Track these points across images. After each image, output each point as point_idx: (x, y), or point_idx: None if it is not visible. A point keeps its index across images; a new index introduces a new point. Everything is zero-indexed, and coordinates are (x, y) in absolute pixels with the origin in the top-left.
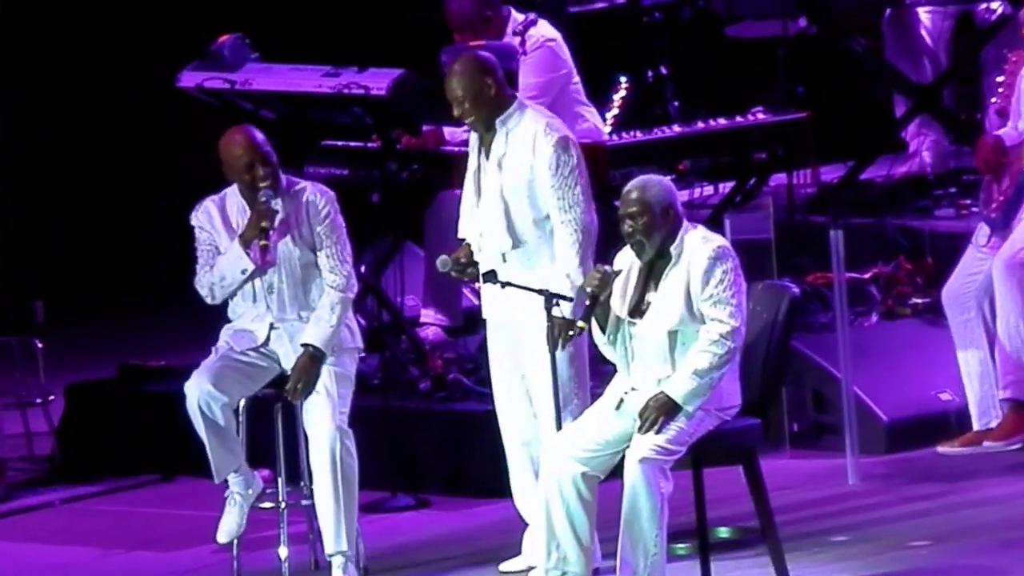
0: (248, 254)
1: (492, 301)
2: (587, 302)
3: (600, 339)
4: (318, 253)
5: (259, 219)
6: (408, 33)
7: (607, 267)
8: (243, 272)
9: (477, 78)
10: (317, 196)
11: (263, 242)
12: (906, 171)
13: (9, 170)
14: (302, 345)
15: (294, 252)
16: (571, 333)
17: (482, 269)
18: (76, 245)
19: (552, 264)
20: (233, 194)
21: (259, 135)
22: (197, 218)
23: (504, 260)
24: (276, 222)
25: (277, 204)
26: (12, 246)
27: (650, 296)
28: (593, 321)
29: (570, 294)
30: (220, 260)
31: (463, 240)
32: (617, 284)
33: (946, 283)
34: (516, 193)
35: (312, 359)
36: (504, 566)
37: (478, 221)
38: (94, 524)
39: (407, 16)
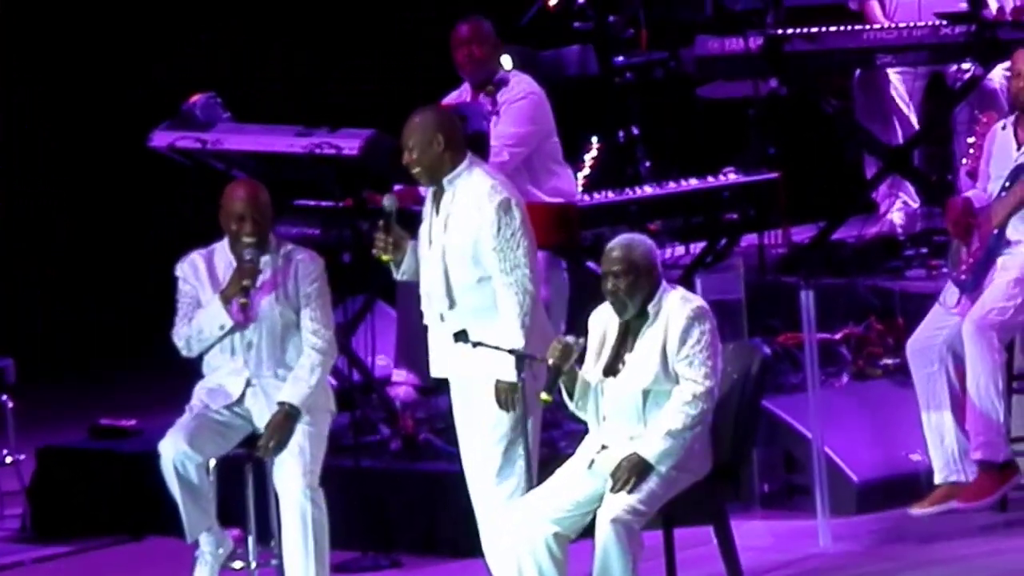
0: (228, 310)
1: (441, 358)
2: (550, 374)
3: (569, 404)
4: (302, 313)
5: (241, 277)
6: (379, 93)
7: (568, 338)
8: (221, 328)
9: (429, 132)
10: (308, 259)
11: (243, 300)
12: (877, 232)
13: None
14: (278, 403)
15: (276, 310)
16: (517, 397)
17: (428, 323)
18: (48, 304)
19: (492, 325)
20: (222, 249)
21: (262, 193)
22: (182, 269)
23: (442, 320)
24: (258, 282)
25: (262, 263)
26: None
27: (626, 355)
28: (561, 389)
29: (509, 356)
30: (200, 314)
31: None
32: (593, 341)
33: (911, 336)
34: (457, 254)
35: (287, 417)
36: None
37: (423, 276)
38: None
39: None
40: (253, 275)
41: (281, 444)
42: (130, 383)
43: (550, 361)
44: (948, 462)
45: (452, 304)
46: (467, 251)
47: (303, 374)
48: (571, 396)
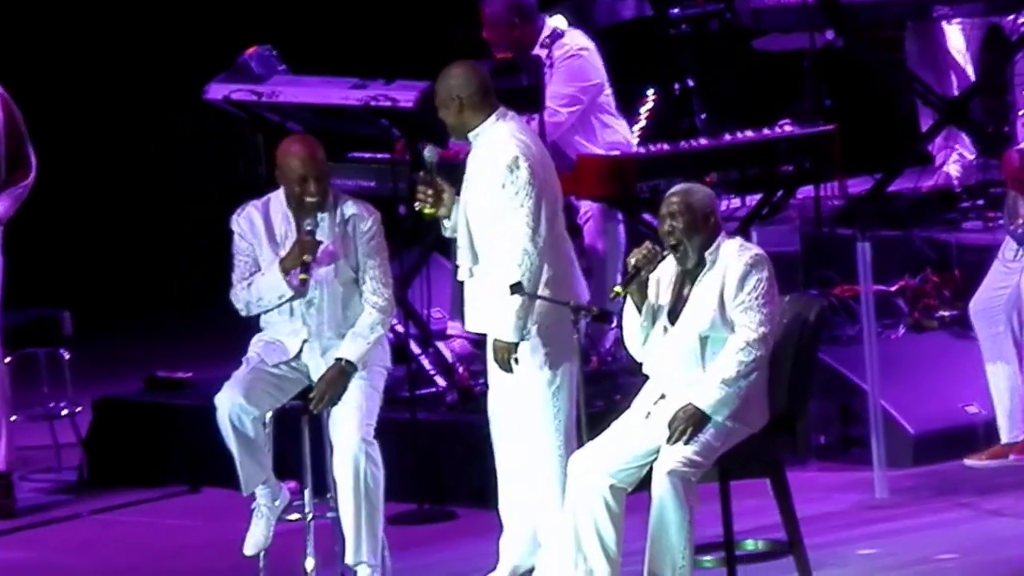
0: (288, 280)
1: (475, 313)
2: (628, 273)
3: (634, 321)
4: (361, 272)
5: (302, 251)
6: (436, 45)
7: (656, 246)
8: (280, 297)
9: (448, 91)
10: (364, 215)
11: (303, 276)
12: (933, 184)
13: (37, 183)
14: (335, 359)
15: (335, 271)
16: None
17: (461, 277)
18: (104, 255)
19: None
20: (278, 200)
21: (319, 149)
22: (238, 223)
23: (471, 275)
24: (319, 253)
25: (322, 232)
26: (39, 257)
27: (684, 302)
28: (630, 301)
29: (510, 315)
30: (259, 281)
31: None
32: (652, 288)
33: (974, 296)
34: (476, 210)
35: (342, 372)
36: None
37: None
38: (121, 536)
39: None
40: (314, 249)
41: (334, 399)
42: (186, 335)
43: (632, 261)
44: (1017, 422)
45: (476, 259)
46: (484, 206)
47: (363, 331)
48: (639, 310)
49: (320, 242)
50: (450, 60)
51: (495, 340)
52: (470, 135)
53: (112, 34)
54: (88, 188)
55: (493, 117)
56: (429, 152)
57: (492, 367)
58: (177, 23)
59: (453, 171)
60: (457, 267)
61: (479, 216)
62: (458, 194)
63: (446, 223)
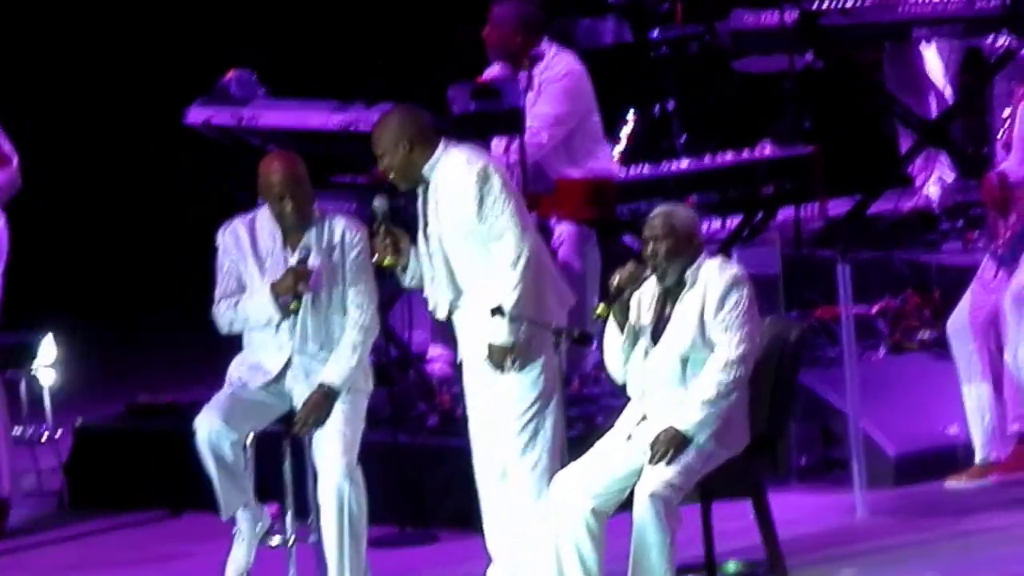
0: (277, 305)
1: (466, 340)
2: (612, 292)
3: (615, 342)
4: (346, 289)
5: (296, 280)
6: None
7: (639, 265)
8: (269, 320)
9: (393, 137)
10: (351, 230)
11: (295, 305)
12: (913, 205)
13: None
14: (319, 384)
15: (321, 287)
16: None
17: (440, 317)
18: (85, 278)
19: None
20: (264, 216)
21: (299, 165)
22: (223, 239)
23: (454, 310)
24: (311, 281)
25: (314, 262)
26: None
27: (665, 323)
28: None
29: (504, 316)
30: (247, 303)
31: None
32: (634, 308)
33: (951, 316)
34: (454, 237)
35: (326, 397)
36: None
37: (425, 277)
38: (103, 559)
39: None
40: (307, 278)
41: (318, 423)
42: (168, 357)
43: (616, 280)
44: (990, 440)
45: (458, 293)
46: (462, 230)
47: (344, 353)
48: (621, 329)
49: (312, 270)
50: (443, 66)
51: (490, 345)
52: (424, 171)
53: (85, 58)
54: (68, 210)
55: (441, 147)
56: (380, 202)
57: (472, 393)
58: (156, 45)
59: (405, 219)
60: (434, 307)
61: (458, 244)
62: (413, 241)
63: (404, 273)
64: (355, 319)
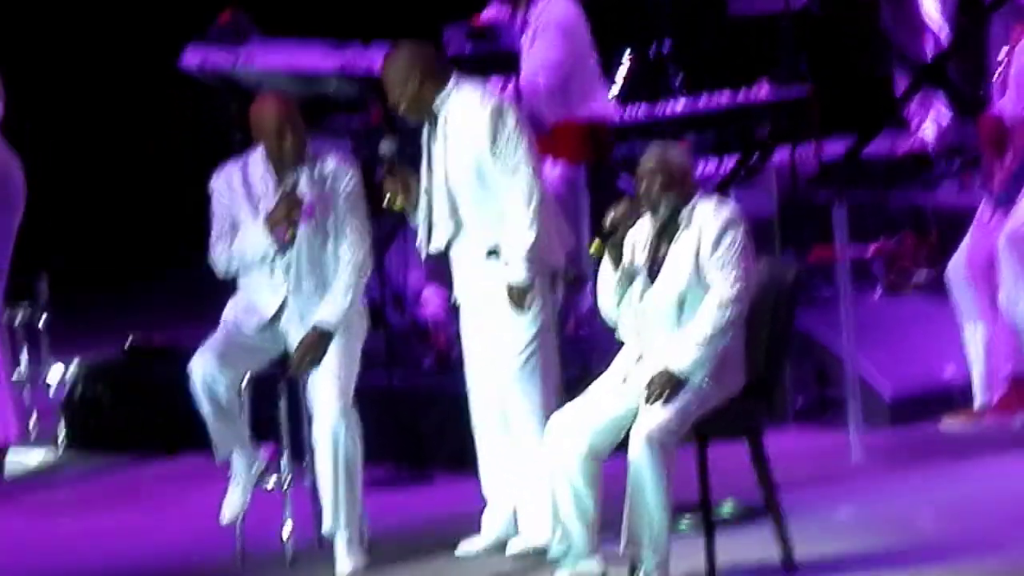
0: (272, 237)
1: (463, 278)
2: (608, 228)
3: (610, 281)
4: (339, 228)
5: (288, 207)
6: (412, 9)
7: (635, 203)
8: (264, 255)
9: (403, 71)
10: (343, 168)
11: (291, 232)
12: (909, 146)
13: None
14: (313, 325)
15: (314, 227)
16: (531, 296)
17: (434, 251)
18: (81, 219)
19: (503, 236)
20: (256, 159)
21: (292, 105)
22: (216, 184)
23: (451, 245)
24: (305, 210)
25: (304, 192)
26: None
27: (660, 261)
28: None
29: (523, 255)
30: (242, 239)
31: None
32: (628, 248)
33: (951, 260)
34: (461, 173)
35: (321, 337)
36: (462, 547)
37: (423, 212)
38: (99, 501)
39: None
40: (299, 205)
41: (313, 363)
42: (166, 294)
43: (610, 218)
44: (992, 384)
45: (458, 229)
46: (470, 165)
47: (339, 293)
48: (615, 266)
49: (304, 198)
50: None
51: (509, 285)
52: (435, 105)
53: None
54: (62, 148)
55: (452, 82)
56: (387, 145)
57: (468, 333)
58: None
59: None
60: (426, 242)
61: (463, 180)
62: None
63: (415, 212)
64: (348, 258)
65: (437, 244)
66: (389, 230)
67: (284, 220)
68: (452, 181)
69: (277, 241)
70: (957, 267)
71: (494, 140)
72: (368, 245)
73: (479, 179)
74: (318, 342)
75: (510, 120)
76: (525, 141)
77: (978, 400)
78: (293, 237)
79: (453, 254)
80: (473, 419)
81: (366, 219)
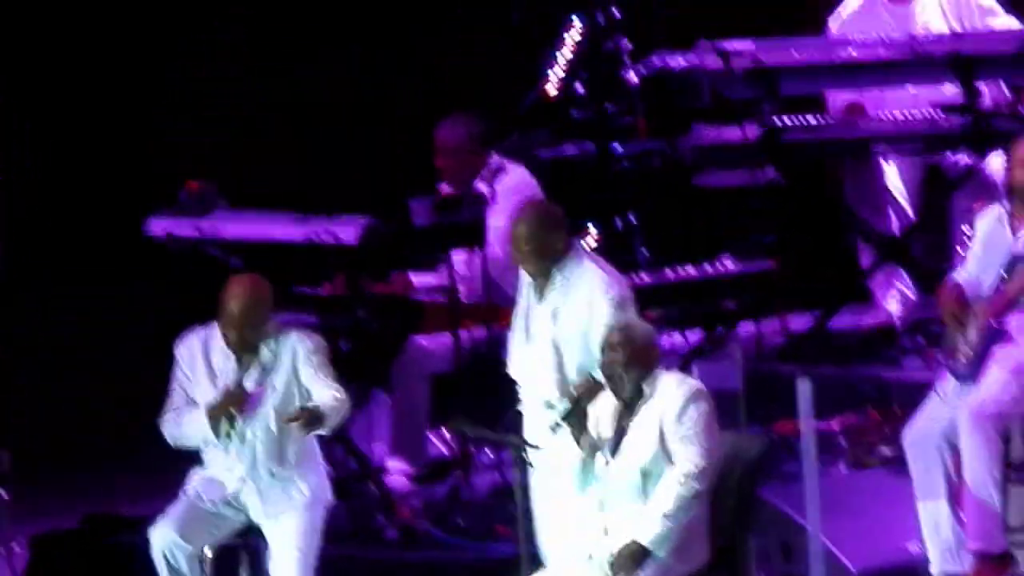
0: (211, 428)
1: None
2: (570, 404)
3: (574, 454)
4: (312, 387)
5: (227, 403)
6: (377, 181)
7: (596, 379)
8: (205, 442)
9: (547, 229)
10: (308, 339)
11: (227, 428)
12: (874, 321)
13: None
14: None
15: (273, 402)
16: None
17: (526, 408)
18: (43, 394)
19: None
20: (218, 334)
21: (260, 293)
22: (180, 351)
23: (549, 407)
24: (247, 403)
25: (252, 385)
26: None
27: (624, 436)
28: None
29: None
30: (185, 420)
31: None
32: (593, 423)
33: (908, 426)
34: (569, 345)
35: (311, 419)
36: None
37: (527, 363)
38: None
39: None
40: (241, 402)
41: (310, 424)
42: (126, 470)
43: (573, 393)
44: (944, 553)
45: (564, 394)
46: (578, 341)
47: (329, 401)
48: (578, 443)
49: (248, 394)
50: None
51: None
52: (555, 266)
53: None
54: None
55: (574, 248)
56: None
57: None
58: (119, 157)
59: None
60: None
61: (572, 349)
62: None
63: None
64: (329, 395)
65: (535, 402)
66: (354, 400)
67: (223, 414)
68: (564, 351)
69: (215, 432)
70: (914, 434)
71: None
72: (344, 394)
73: (585, 352)
74: (308, 423)
75: (630, 316)
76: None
77: (934, 572)
78: (228, 433)
79: (540, 414)
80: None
81: (335, 379)
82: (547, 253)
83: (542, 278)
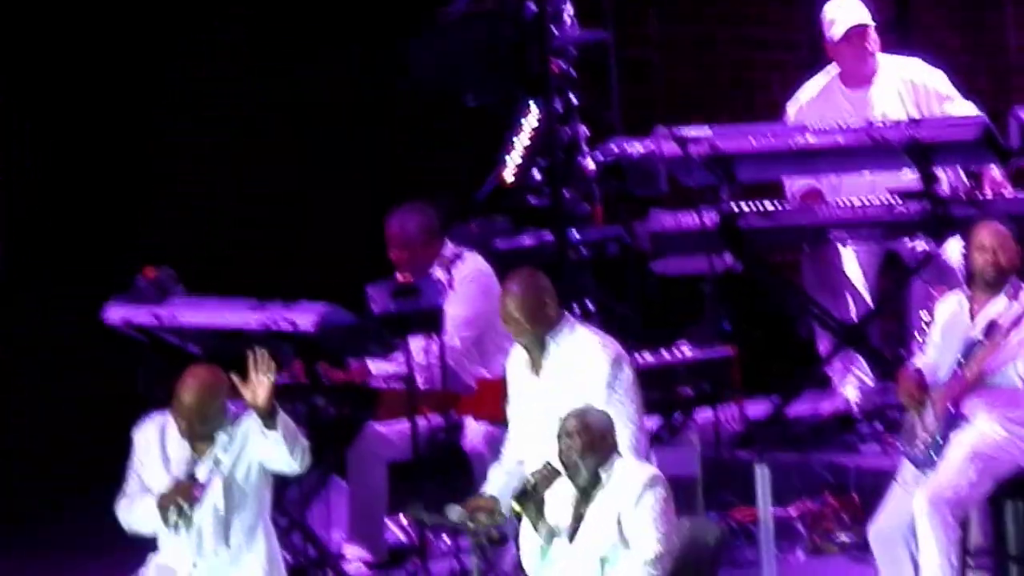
0: (160, 517)
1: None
2: (527, 490)
3: (531, 541)
4: (274, 451)
5: (176, 494)
6: (335, 267)
7: (552, 466)
8: (154, 531)
9: (539, 296)
10: (258, 430)
11: (175, 519)
12: (832, 407)
13: None
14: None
15: (220, 487)
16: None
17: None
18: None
19: None
20: (174, 424)
21: (215, 387)
22: (137, 438)
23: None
24: (197, 493)
25: (202, 476)
26: None
27: (582, 523)
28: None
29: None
30: (137, 507)
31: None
32: (549, 507)
33: (873, 520)
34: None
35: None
36: None
37: (528, 442)
38: None
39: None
40: (190, 495)
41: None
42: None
43: (530, 479)
44: None
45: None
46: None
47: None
48: (535, 527)
49: (200, 484)
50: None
51: None
52: (549, 335)
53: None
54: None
55: (565, 316)
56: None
57: None
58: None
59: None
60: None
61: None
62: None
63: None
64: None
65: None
66: (312, 487)
67: (172, 505)
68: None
69: (164, 521)
70: (880, 529)
71: (612, 390)
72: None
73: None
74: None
75: (629, 375)
76: (639, 399)
77: None
78: (176, 524)
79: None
80: None
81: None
82: (540, 320)
83: (536, 351)
